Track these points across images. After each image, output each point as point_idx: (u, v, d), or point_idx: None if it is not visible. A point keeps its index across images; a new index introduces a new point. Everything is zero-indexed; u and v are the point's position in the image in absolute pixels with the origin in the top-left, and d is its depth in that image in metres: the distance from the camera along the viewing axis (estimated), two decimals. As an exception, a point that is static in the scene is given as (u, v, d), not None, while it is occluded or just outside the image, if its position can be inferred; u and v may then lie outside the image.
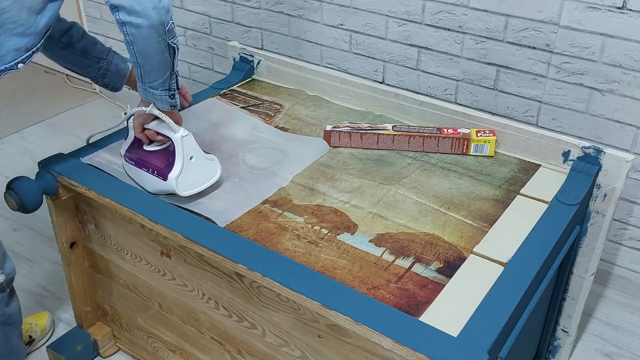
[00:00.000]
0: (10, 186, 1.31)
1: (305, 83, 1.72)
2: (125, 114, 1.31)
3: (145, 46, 1.09)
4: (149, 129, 1.27)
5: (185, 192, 1.25)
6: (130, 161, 1.32)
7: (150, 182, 1.28)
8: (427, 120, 1.54)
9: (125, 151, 1.33)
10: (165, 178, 1.24)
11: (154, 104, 1.22)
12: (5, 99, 2.85)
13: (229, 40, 2.08)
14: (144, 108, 1.23)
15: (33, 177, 1.37)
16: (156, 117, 1.25)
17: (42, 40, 1.11)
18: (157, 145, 1.31)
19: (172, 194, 1.26)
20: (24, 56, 1.09)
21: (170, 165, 1.25)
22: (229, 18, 2.32)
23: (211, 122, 1.54)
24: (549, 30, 1.66)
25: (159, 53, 1.10)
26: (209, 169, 1.29)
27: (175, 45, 1.12)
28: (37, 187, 1.33)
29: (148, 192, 1.30)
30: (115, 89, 1.45)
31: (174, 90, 1.19)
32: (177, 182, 1.23)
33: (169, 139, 1.25)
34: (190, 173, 1.25)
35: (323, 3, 2.03)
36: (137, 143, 1.32)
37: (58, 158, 1.40)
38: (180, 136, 1.23)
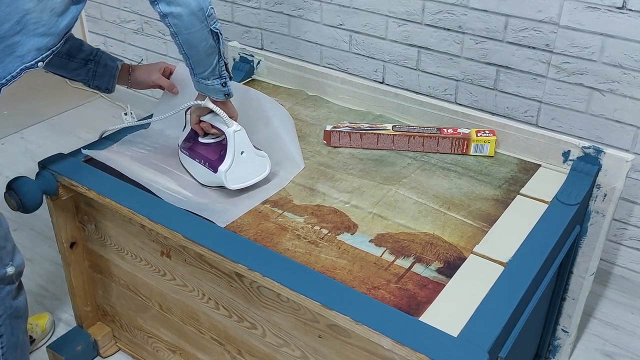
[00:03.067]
0: (10, 186, 1.31)
1: (305, 83, 1.72)
2: (184, 109, 1.35)
3: (189, 35, 1.12)
4: (204, 122, 1.30)
5: (233, 186, 1.28)
6: (185, 152, 1.36)
7: (202, 173, 1.32)
8: (427, 120, 1.54)
9: (182, 142, 1.38)
10: (215, 170, 1.27)
11: (208, 97, 1.25)
12: (5, 99, 2.81)
13: (229, 40, 2.08)
14: (199, 102, 1.27)
15: (33, 177, 1.37)
16: (212, 110, 1.28)
17: (62, 40, 1.14)
18: (212, 138, 1.33)
19: (221, 187, 1.30)
20: (44, 55, 1.12)
21: (221, 158, 1.28)
22: (228, 18, 2.32)
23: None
24: (548, 30, 1.66)
25: (204, 40, 1.13)
26: (259, 164, 1.32)
27: (218, 31, 1.15)
28: (37, 187, 1.33)
29: (199, 183, 1.33)
30: (108, 90, 1.44)
31: (225, 78, 1.22)
32: (226, 175, 1.27)
33: (223, 132, 1.28)
34: (240, 167, 1.28)
35: (323, 3, 2.03)
36: (193, 135, 1.36)
37: (58, 158, 1.40)
38: (233, 130, 1.27)
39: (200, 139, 1.34)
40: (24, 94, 2.89)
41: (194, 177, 1.35)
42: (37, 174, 1.37)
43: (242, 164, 1.28)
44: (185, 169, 1.37)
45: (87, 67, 1.39)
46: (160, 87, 1.48)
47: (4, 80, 1.09)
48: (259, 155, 1.32)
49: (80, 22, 2.85)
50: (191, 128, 1.35)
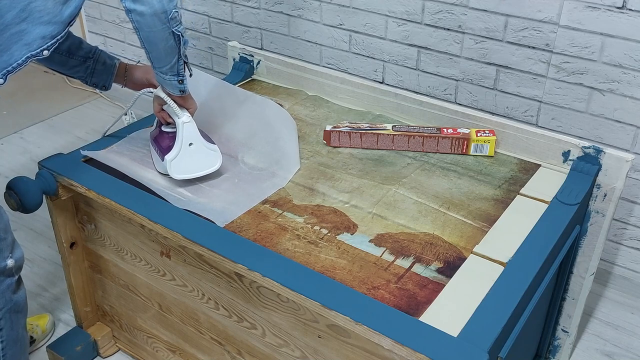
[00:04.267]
0: (10, 186, 1.31)
1: (305, 83, 1.72)
2: (139, 96, 1.39)
3: (150, 33, 1.14)
4: (163, 111, 1.33)
5: (178, 176, 1.30)
6: (151, 139, 1.39)
7: (157, 160, 1.34)
8: (427, 120, 1.54)
9: (152, 130, 1.41)
10: (162, 158, 1.30)
11: (162, 87, 1.27)
12: (5, 99, 2.85)
13: (229, 40, 2.08)
14: (146, 90, 1.31)
15: (33, 177, 1.37)
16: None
17: (67, 29, 1.16)
18: (172, 128, 1.34)
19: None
20: (49, 43, 1.14)
21: (170, 147, 1.29)
22: (228, 18, 2.32)
23: (211, 113, 1.53)
24: (548, 30, 1.66)
25: (164, 40, 1.15)
26: (209, 158, 1.33)
27: (179, 33, 1.16)
28: (37, 187, 1.33)
29: (157, 170, 1.35)
30: (105, 87, 1.47)
31: (183, 76, 1.24)
32: (171, 164, 1.29)
33: (172, 121, 1.31)
34: (187, 158, 1.30)
35: (322, 3, 2.03)
36: (159, 123, 1.38)
37: (58, 158, 1.40)
38: (182, 122, 1.28)
39: (163, 128, 1.35)
40: (24, 94, 2.89)
41: (155, 165, 1.36)
42: (37, 174, 1.37)
43: (190, 155, 1.29)
44: (151, 156, 1.40)
45: (85, 64, 1.42)
46: (155, 87, 1.49)
47: (10, 67, 1.12)
48: (209, 149, 1.32)
49: (80, 22, 2.85)
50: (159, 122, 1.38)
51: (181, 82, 1.24)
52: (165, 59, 1.19)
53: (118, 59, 1.48)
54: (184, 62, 1.22)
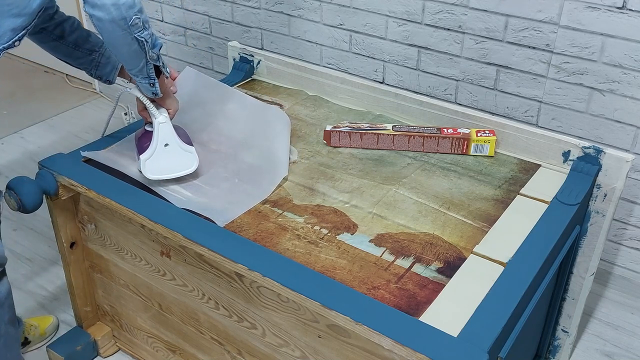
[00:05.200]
0: (10, 186, 1.31)
1: (305, 83, 1.72)
2: (120, 94, 1.36)
3: (110, 38, 1.14)
4: (145, 110, 1.32)
5: (152, 176, 1.29)
6: (135, 138, 1.38)
7: (136, 159, 1.34)
8: (427, 120, 1.54)
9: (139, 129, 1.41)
10: (138, 158, 1.30)
11: (137, 88, 1.27)
12: (5, 99, 2.85)
13: (229, 40, 2.08)
14: (129, 89, 1.29)
15: (33, 177, 1.37)
16: (153, 100, 1.30)
17: (36, 19, 1.16)
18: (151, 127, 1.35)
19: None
20: (20, 35, 1.15)
21: (146, 147, 1.29)
22: (228, 18, 2.32)
23: (209, 114, 1.53)
24: (548, 30, 1.66)
25: (126, 45, 1.15)
26: (185, 160, 1.32)
27: (143, 39, 1.15)
28: (37, 187, 1.33)
29: (138, 170, 1.34)
30: (109, 81, 1.46)
31: (154, 79, 1.23)
32: (145, 164, 1.28)
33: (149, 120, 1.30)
34: (162, 159, 1.29)
35: (323, 3, 2.03)
36: (144, 123, 1.37)
37: (58, 158, 1.40)
38: (158, 122, 1.28)
39: (146, 127, 1.35)
40: (24, 94, 2.89)
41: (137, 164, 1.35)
42: (37, 174, 1.37)
43: (165, 156, 1.29)
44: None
45: (91, 57, 1.41)
46: None
47: None
48: (185, 150, 1.32)
49: (80, 20, 2.85)
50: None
51: (152, 85, 1.24)
52: (132, 62, 1.18)
53: None
54: (155, 65, 1.21)
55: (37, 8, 1.15)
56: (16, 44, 1.15)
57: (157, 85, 1.24)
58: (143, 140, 1.33)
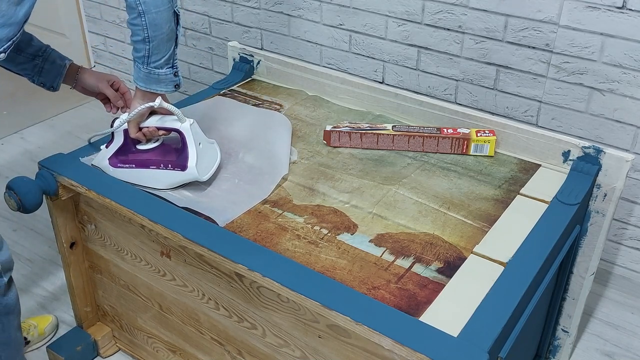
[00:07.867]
0: (10, 186, 1.31)
1: (305, 83, 1.72)
2: (116, 120, 1.31)
3: (157, 14, 1.12)
4: (147, 127, 1.29)
5: (205, 177, 1.30)
6: (127, 165, 1.33)
7: (164, 177, 1.30)
8: (427, 120, 1.54)
9: (113, 158, 1.34)
10: (184, 168, 1.28)
11: (139, 99, 1.23)
12: (5, 99, 2.85)
13: (229, 41, 2.08)
14: (149, 104, 1.23)
15: (33, 177, 1.37)
16: (152, 114, 1.28)
17: (22, 30, 1.14)
18: (153, 143, 1.33)
19: (188, 183, 1.31)
20: (5, 46, 1.12)
21: (182, 155, 1.28)
22: (228, 18, 2.32)
23: (211, 119, 1.54)
24: (548, 30, 1.66)
25: (168, 21, 1.14)
26: (213, 152, 1.34)
27: (178, 13, 1.17)
28: (37, 187, 1.33)
29: (159, 189, 1.31)
30: (52, 87, 1.40)
31: (177, 67, 1.22)
32: (197, 169, 1.27)
33: (174, 130, 1.28)
34: (203, 158, 1.30)
35: (323, 3, 2.03)
36: (127, 146, 1.33)
37: (58, 158, 1.40)
38: (189, 124, 1.27)
39: (140, 147, 1.33)
40: (24, 94, 2.89)
41: (150, 186, 1.31)
42: (37, 174, 1.37)
43: (203, 155, 1.30)
44: (130, 183, 1.33)
45: (34, 62, 1.36)
46: (104, 99, 1.46)
47: None
48: (210, 143, 1.34)
49: (80, 22, 2.85)
50: (122, 141, 1.32)
51: (176, 74, 1.22)
52: (166, 46, 1.17)
53: (70, 60, 1.41)
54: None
55: (23, 18, 1.13)
56: (1, 56, 1.12)
57: (180, 74, 1.23)
58: (161, 156, 1.32)
